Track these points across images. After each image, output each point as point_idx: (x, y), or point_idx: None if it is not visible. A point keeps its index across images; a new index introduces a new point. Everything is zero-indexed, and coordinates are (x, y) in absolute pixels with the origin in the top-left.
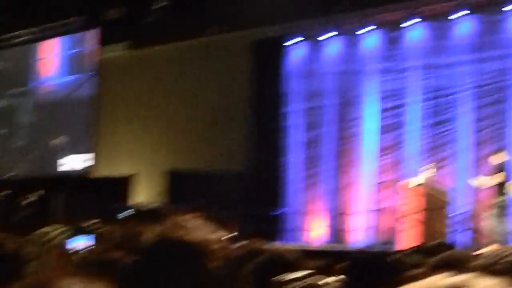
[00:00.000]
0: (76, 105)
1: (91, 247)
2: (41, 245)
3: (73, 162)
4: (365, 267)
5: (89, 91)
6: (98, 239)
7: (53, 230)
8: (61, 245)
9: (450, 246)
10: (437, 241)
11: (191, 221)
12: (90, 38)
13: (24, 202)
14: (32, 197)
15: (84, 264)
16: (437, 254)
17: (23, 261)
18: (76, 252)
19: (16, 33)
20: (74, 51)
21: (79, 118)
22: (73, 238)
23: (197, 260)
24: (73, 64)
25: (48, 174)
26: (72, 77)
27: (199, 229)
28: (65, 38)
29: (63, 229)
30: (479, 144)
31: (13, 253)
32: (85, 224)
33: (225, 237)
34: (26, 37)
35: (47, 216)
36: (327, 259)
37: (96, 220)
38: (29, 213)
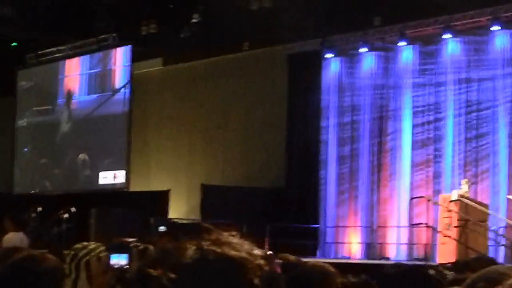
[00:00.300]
0: (109, 121)
1: (129, 264)
2: (77, 262)
3: (108, 178)
4: (401, 281)
5: (122, 107)
6: (135, 257)
7: (88, 247)
8: (100, 262)
9: (491, 261)
10: (477, 255)
11: (231, 237)
12: (123, 54)
13: (60, 218)
14: (66, 213)
15: (123, 281)
16: (478, 269)
17: (61, 277)
18: (114, 269)
19: (49, 50)
20: (107, 67)
21: (112, 134)
22: (110, 255)
23: (240, 276)
24: (106, 80)
25: (84, 190)
26: (104, 94)
27: (240, 244)
28: (98, 54)
29: (98, 245)
30: None
31: (52, 269)
32: (122, 241)
33: (266, 252)
34: (59, 54)
35: (84, 231)
36: (363, 274)
37: (133, 239)
38: (65, 228)
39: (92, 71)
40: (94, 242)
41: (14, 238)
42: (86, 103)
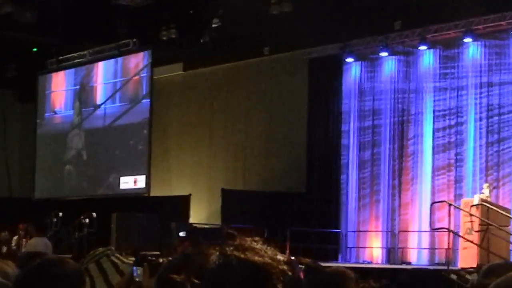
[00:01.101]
0: (129, 127)
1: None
2: (85, 267)
3: (128, 183)
4: (423, 286)
5: (142, 112)
6: (146, 272)
7: (104, 251)
8: (123, 275)
9: None
10: (500, 261)
11: (254, 243)
12: (143, 60)
13: (81, 223)
14: (87, 218)
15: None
16: (500, 275)
17: (81, 281)
18: (138, 282)
19: (70, 55)
20: (127, 73)
21: (132, 140)
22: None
23: (264, 282)
24: (126, 86)
25: (105, 195)
26: (126, 100)
27: (263, 250)
28: (117, 60)
29: (107, 248)
30: None
31: (72, 273)
32: (145, 255)
33: (289, 258)
34: (79, 60)
35: (105, 236)
36: (384, 279)
37: (156, 253)
38: (86, 233)
39: (119, 76)
40: (109, 247)
41: (38, 243)
42: (112, 107)
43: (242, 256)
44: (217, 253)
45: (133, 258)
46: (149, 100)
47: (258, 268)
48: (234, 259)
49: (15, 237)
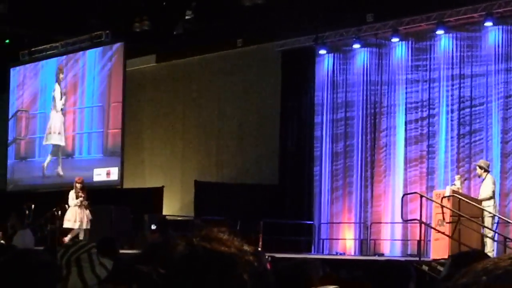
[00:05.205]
0: (103, 118)
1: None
2: (67, 258)
3: (101, 175)
4: (395, 277)
5: (116, 104)
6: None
7: (78, 243)
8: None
9: (484, 256)
10: (471, 250)
11: (221, 233)
12: (116, 51)
13: (53, 215)
14: (59, 210)
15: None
16: (472, 264)
17: (55, 272)
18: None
19: (42, 47)
20: (100, 65)
21: (106, 131)
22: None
23: (230, 272)
24: (100, 77)
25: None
26: (98, 91)
27: (230, 240)
28: (91, 52)
29: (88, 242)
30: (508, 154)
31: (45, 264)
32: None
33: (256, 249)
34: (52, 51)
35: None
36: (356, 271)
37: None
38: (59, 225)
39: (93, 67)
40: (83, 241)
41: (24, 236)
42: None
43: (208, 246)
44: (184, 243)
45: (109, 261)
46: (121, 90)
47: (224, 258)
48: (201, 249)
49: None
